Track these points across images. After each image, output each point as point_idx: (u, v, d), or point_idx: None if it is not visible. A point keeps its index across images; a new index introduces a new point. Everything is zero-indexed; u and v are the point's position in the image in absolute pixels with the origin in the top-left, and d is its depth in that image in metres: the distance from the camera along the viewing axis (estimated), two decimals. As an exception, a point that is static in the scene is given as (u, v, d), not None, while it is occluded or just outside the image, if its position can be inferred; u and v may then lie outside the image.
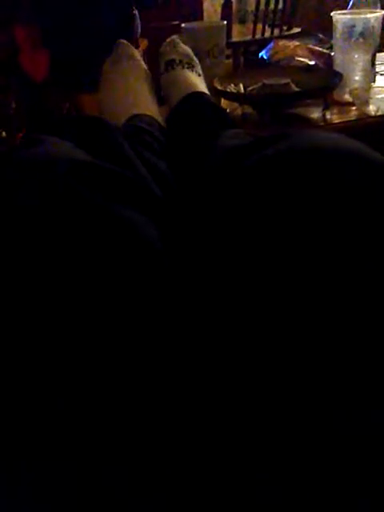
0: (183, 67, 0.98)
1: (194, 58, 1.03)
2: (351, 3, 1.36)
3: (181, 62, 0.99)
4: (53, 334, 0.31)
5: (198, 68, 1.02)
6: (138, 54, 1.05)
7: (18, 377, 0.30)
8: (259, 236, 0.36)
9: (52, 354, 0.31)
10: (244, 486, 0.30)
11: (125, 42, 1.05)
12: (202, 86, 0.96)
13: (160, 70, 1.01)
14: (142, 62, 1.04)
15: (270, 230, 0.35)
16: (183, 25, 1.21)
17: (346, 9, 1.36)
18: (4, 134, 1.17)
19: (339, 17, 1.26)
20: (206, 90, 0.96)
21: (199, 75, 1.00)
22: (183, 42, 1.06)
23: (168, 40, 1.07)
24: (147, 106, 0.93)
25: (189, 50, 1.04)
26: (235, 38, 2.03)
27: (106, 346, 0.32)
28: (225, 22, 1.29)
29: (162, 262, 0.37)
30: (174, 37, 1.07)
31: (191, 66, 0.99)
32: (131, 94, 0.95)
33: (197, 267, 0.38)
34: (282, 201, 0.36)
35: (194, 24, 1.27)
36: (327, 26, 1.37)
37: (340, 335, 0.32)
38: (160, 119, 0.91)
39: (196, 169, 0.61)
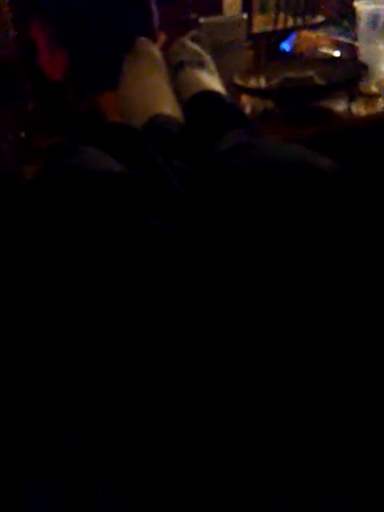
0: (193, 67, 0.96)
1: (205, 56, 1.01)
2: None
3: (190, 62, 0.97)
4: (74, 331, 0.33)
5: (210, 65, 1.00)
6: (157, 51, 1.04)
7: (23, 366, 0.32)
8: (232, 237, 0.39)
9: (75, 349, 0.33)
10: (243, 484, 0.30)
11: (144, 39, 1.03)
12: (213, 83, 0.94)
13: (171, 72, 1.00)
14: (162, 59, 1.02)
15: (235, 233, 0.39)
16: (201, 20, 1.18)
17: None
18: (23, 134, 1.16)
19: (363, 7, 1.23)
20: (218, 87, 0.94)
21: (211, 72, 0.98)
22: (195, 40, 1.04)
23: (176, 42, 1.05)
24: (168, 104, 0.92)
25: (198, 49, 1.02)
26: (256, 29, 1.99)
27: (130, 349, 0.33)
28: (245, 16, 1.26)
29: (190, 272, 0.38)
30: (183, 37, 1.06)
31: (201, 64, 0.98)
32: (151, 92, 0.94)
33: (199, 267, 0.39)
34: (242, 208, 0.40)
35: (213, 19, 1.25)
36: (351, 13, 1.34)
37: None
38: (180, 117, 0.90)
39: (197, 172, 0.62)
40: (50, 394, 0.32)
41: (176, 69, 0.97)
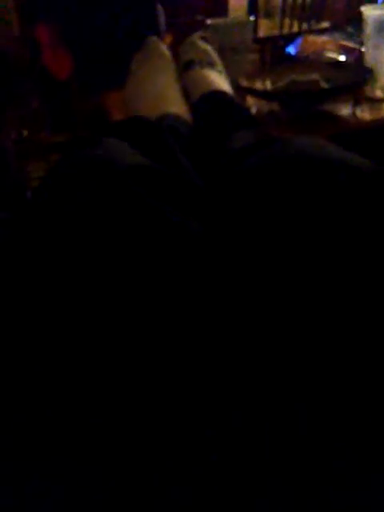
0: (202, 66, 0.96)
1: (215, 56, 1.01)
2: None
3: (200, 61, 0.97)
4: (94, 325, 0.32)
5: (219, 65, 1.00)
6: (167, 50, 1.03)
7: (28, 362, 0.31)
8: (249, 235, 0.37)
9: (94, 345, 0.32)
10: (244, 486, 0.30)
11: (154, 38, 1.03)
12: (222, 83, 0.94)
13: (179, 70, 1.00)
14: (171, 60, 1.02)
15: (257, 231, 0.37)
16: (209, 21, 1.18)
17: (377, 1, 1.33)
18: (26, 132, 1.16)
19: (369, 12, 1.23)
20: (226, 87, 0.94)
21: (220, 72, 0.98)
22: (205, 39, 1.03)
23: (186, 40, 1.05)
24: (177, 104, 0.92)
25: (208, 48, 1.02)
26: (262, 33, 1.99)
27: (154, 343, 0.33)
28: (251, 18, 1.26)
29: (210, 262, 0.38)
30: (193, 36, 1.06)
31: (211, 64, 0.97)
32: (160, 92, 0.94)
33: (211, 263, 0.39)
34: (264, 205, 0.38)
35: (220, 20, 1.25)
36: (357, 18, 1.34)
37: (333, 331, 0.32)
38: (188, 117, 0.90)
39: (207, 170, 0.62)
40: (52, 392, 0.31)
41: (185, 67, 0.97)
